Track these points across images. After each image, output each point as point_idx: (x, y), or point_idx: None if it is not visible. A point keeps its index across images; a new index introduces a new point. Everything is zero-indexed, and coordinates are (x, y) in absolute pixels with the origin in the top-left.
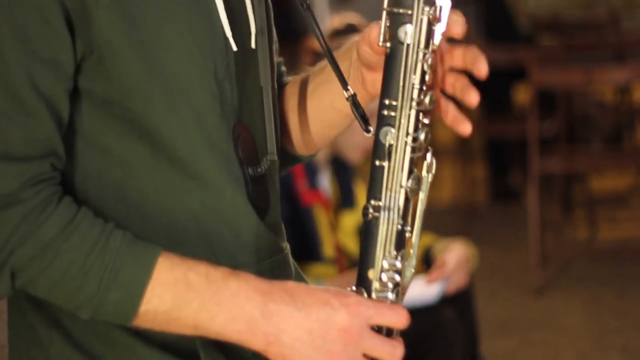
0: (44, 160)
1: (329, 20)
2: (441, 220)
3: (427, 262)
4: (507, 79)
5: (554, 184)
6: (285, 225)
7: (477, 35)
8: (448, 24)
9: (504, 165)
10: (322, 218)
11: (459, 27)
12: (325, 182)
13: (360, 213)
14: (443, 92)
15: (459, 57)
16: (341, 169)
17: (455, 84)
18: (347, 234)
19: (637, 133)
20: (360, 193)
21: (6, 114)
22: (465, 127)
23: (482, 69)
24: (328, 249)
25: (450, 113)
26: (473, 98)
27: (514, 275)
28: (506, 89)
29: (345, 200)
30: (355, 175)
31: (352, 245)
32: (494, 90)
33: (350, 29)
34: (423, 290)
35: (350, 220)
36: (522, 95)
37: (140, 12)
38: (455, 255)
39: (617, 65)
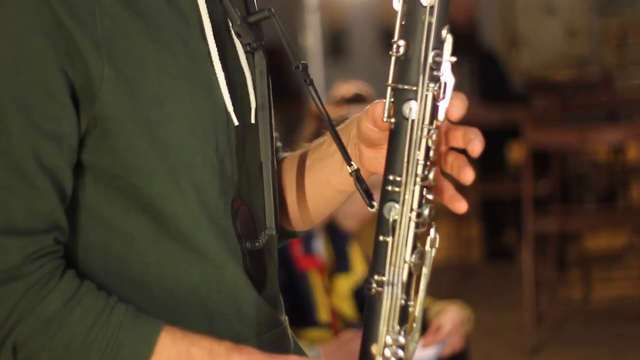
0: (47, 234)
1: (336, 88)
2: (436, 279)
3: (422, 325)
4: (501, 137)
5: (549, 243)
6: (281, 290)
7: (472, 94)
8: (448, 107)
9: (498, 224)
10: (317, 282)
11: (458, 113)
12: (320, 246)
13: (355, 276)
14: (441, 170)
15: (458, 137)
16: (336, 234)
17: (453, 163)
18: (342, 297)
19: (631, 192)
20: (355, 256)
21: (10, 187)
22: (462, 206)
23: (475, 149)
24: (323, 313)
25: (447, 191)
26: (468, 176)
27: (508, 335)
28: (500, 148)
29: (340, 264)
30: (350, 239)
31: (347, 308)
32: (488, 149)
33: (357, 99)
34: (419, 354)
35: (345, 283)
36: (516, 153)
37: (144, 87)
38: (451, 318)
39: (610, 125)
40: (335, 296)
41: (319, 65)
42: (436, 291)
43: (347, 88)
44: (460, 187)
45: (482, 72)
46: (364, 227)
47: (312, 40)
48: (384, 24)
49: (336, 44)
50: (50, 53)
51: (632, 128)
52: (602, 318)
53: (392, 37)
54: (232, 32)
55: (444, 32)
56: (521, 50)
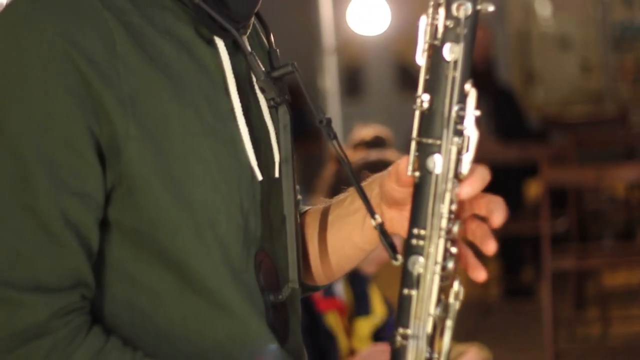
0: (73, 291)
1: (356, 132)
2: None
3: None
4: (519, 175)
5: (567, 280)
6: (302, 333)
7: (488, 131)
8: (464, 183)
9: (516, 262)
10: (337, 324)
11: (467, 193)
12: (340, 289)
13: (375, 319)
14: (463, 238)
15: (482, 205)
16: (356, 277)
17: (476, 231)
18: (362, 340)
19: None
20: (375, 299)
21: (36, 244)
22: (481, 275)
23: (495, 222)
24: (343, 355)
25: (468, 259)
26: (491, 248)
27: None
28: (518, 185)
29: (360, 307)
30: (369, 281)
31: None
32: (506, 187)
33: (377, 142)
34: None
35: (366, 326)
36: (534, 190)
37: (169, 145)
38: None
39: (627, 162)
40: (356, 339)
41: (336, 105)
42: (455, 330)
43: (367, 131)
44: None
45: (499, 109)
46: (381, 271)
47: (330, 82)
48: (400, 62)
49: (353, 83)
50: (76, 111)
51: None
52: (621, 355)
53: (408, 74)
54: (256, 87)
55: (468, 86)
56: (537, 86)
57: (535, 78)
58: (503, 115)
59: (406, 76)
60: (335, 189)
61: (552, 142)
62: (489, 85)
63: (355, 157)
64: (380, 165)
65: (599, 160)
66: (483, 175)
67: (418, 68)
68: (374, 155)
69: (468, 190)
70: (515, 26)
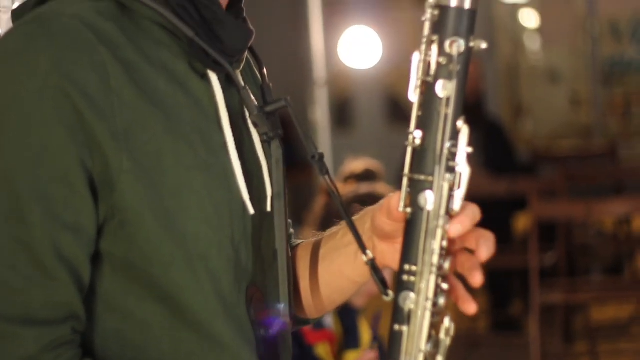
0: (64, 324)
1: (347, 165)
2: None
3: None
4: (507, 208)
5: (555, 314)
6: None
7: (477, 165)
8: (454, 221)
9: (504, 295)
10: (327, 355)
11: (457, 231)
12: (329, 320)
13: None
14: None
15: (471, 239)
16: (345, 310)
17: (465, 264)
18: None
19: (637, 263)
20: (364, 331)
21: (28, 277)
22: (471, 307)
23: (483, 256)
24: None
25: (457, 292)
26: (477, 280)
27: None
28: (506, 219)
29: (349, 340)
30: (359, 314)
31: None
32: (495, 220)
33: (367, 175)
34: None
35: (355, 358)
36: (522, 224)
37: (162, 178)
38: None
39: (616, 197)
40: None
41: (327, 137)
42: None
43: (357, 165)
44: None
45: (488, 143)
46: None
47: (321, 114)
48: (390, 94)
49: (342, 115)
50: (70, 145)
51: (638, 200)
52: None
53: (398, 107)
54: (249, 121)
55: (460, 123)
56: (526, 120)
57: (525, 111)
58: (492, 148)
59: (396, 108)
60: (325, 222)
61: (541, 176)
62: (479, 119)
63: (346, 190)
64: (370, 199)
65: (588, 195)
66: (473, 214)
67: (408, 101)
68: (364, 188)
69: (458, 228)
70: (505, 60)
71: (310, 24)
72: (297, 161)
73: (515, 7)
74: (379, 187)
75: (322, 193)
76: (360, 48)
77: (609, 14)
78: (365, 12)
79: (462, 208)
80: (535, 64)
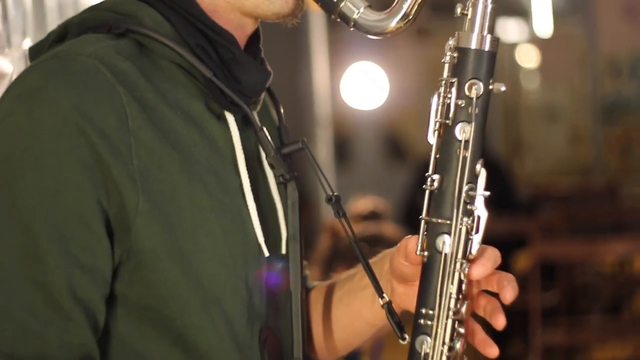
0: None
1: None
2: None
3: None
4: (507, 247)
5: (556, 353)
6: None
7: None
8: (474, 264)
9: (504, 335)
10: None
11: (479, 273)
12: None
13: None
14: (473, 313)
15: (493, 281)
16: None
17: (486, 307)
18: None
19: (637, 303)
20: None
21: (43, 317)
22: (493, 351)
23: (507, 297)
24: None
25: (478, 335)
26: (501, 322)
27: None
28: (506, 259)
29: None
30: (361, 355)
31: None
32: None
33: (373, 216)
34: None
35: None
36: (522, 262)
37: (177, 220)
38: None
39: (617, 237)
40: None
41: (331, 175)
42: None
43: (363, 205)
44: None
45: (487, 181)
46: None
47: (324, 152)
48: (391, 132)
49: (343, 151)
50: (87, 185)
51: (639, 240)
52: None
53: (397, 144)
54: (265, 162)
55: (478, 166)
56: (525, 157)
57: (524, 149)
58: (491, 188)
59: (397, 146)
60: (330, 262)
61: (541, 214)
62: None
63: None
64: (377, 239)
65: (588, 233)
66: (495, 257)
67: (410, 139)
68: (370, 229)
69: (480, 270)
70: (504, 97)
71: (313, 61)
72: (300, 197)
73: (514, 45)
74: (386, 227)
75: (327, 232)
76: (364, 86)
77: (609, 51)
78: (368, 48)
79: (482, 251)
80: (534, 102)
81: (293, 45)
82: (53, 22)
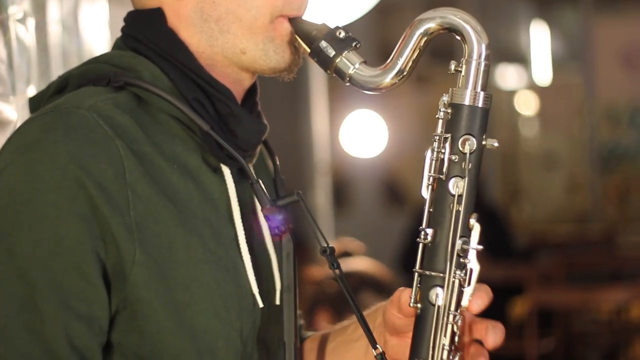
0: None
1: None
2: None
3: None
4: (503, 294)
5: None
6: None
7: None
8: (471, 299)
9: None
10: None
11: (478, 307)
12: None
13: None
14: None
15: (482, 330)
16: None
17: (475, 355)
18: None
19: (634, 350)
20: None
21: None
22: None
23: (490, 342)
24: None
25: None
26: None
27: None
28: (502, 305)
29: None
30: None
31: None
32: (491, 307)
33: (345, 255)
34: None
35: None
36: (519, 309)
37: (173, 272)
38: None
39: (614, 285)
40: None
41: (330, 220)
42: None
43: (337, 245)
44: None
45: (484, 229)
46: None
47: (323, 199)
48: (388, 178)
49: (340, 196)
50: (85, 236)
51: (636, 288)
52: None
53: (393, 190)
54: (259, 213)
55: (472, 220)
56: (523, 204)
57: (522, 196)
58: (488, 235)
59: (395, 192)
60: (312, 312)
61: (538, 262)
62: (475, 205)
63: (322, 271)
64: (350, 278)
65: (585, 281)
66: (487, 290)
67: (407, 185)
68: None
69: (478, 304)
70: (501, 144)
71: (312, 108)
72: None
73: (512, 93)
74: (357, 262)
75: (310, 282)
76: (363, 134)
77: (607, 99)
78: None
79: (476, 287)
80: (533, 148)
81: (293, 92)
82: (57, 70)
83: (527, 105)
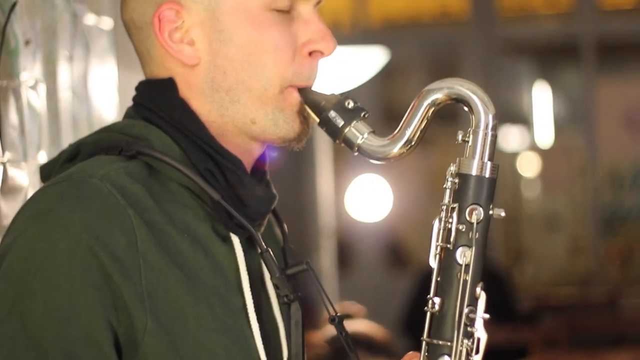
0: None
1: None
2: None
3: None
4: (508, 357)
5: None
6: None
7: None
8: None
9: None
10: None
11: None
12: None
13: None
14: None
15: None
16: None
17: None
18: None
19: None
20: None
21: None
22: None
23: None
24: None
25: None
26: None
27: None
28: None
29: None
30: None
31: None
32: None
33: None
34: None
35: None
36: None
37: (183, 340)
38: None
39: (618, 348)
40: None
41: (334, 283)
42: None
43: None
44: None
45: (488, 292)
46: None
47: (328, 262)
48: (392, 240)
49: (344, 258)
50: (97, 305)
51: (639, 352)
52: None
53: (397, 252)
54: (267, 282)
55: (478, 289)
56: (525, 266)
57: (525, 258)
58: (492, 298)
59: (399, 254)
60: None
61: (542, 325)
62: None
63: (323, 334)
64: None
65: (589, 344)
66: None
67: (411, 247)
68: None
69: None
70: (504, 206)
71: (317, 172)
72: None
73: (514, 155)
74: (355, 324)
75: (311, 346)
76: (368, 198)
77: (609, 161)
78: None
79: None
80: (535, 210)
81: (299, 155)
82: (67, 136)
83: (529, 166)
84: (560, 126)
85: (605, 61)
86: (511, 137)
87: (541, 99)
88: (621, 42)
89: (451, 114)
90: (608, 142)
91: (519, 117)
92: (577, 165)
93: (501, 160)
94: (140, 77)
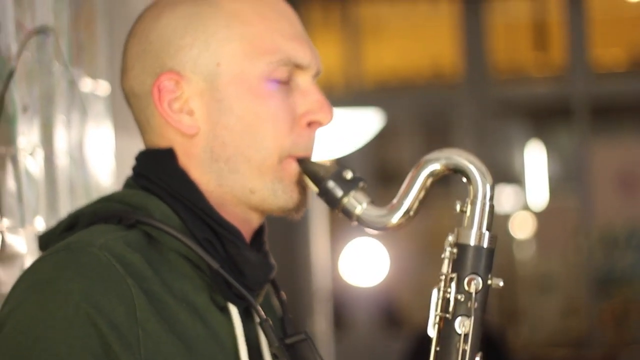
0: None
1: None
2: None
3: None
4: None
5: None
6: None
7: None
8: None
9: None
10: None
11: None
12: None
13: None
14: None
15: None
16: None
17: None
18: None
19: None
20: None
21: None
22: None
23: None
24: None
25: None
26: None
27: None
28: None
29: None
30: None
31: None
32: None
33: None
34: None
35: None
36: None
37: None
38: None
39: None
40: None
41: (330, 345)
42: None
43: None
44: None
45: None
46: None
47: (323, 325)
48: (387, 302)
49: (341, 320)
50: None
51: None
52: None
53: (392, 313)
54: (264, 352)
55: (477, 359)
56: (520, 327)
57: (519, 319)
58: (487, 358)
59: (394, 315)
60: None
61: None
62: None
63: None
64: None
65: None
66: None
67: (406, 308)
68: None
69: None
70: (498, 267)
71: (312, 235)
72: None
73: (507, 216)
74: None
75: None
76: (363, 262)
77: (604, 222)
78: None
79: None
80: (529, 271)
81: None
82: (64, 202)
83: (522, 227)
84: (554, 187)
85: (598, 122)
86: (505, 198)
87: (535, 160)
88: (615, 104)
89: (446, 176)
90: (602, 203)
91: (512, 177)
92: (571, 226)
93: (495, 221)
94: (137, 142)
